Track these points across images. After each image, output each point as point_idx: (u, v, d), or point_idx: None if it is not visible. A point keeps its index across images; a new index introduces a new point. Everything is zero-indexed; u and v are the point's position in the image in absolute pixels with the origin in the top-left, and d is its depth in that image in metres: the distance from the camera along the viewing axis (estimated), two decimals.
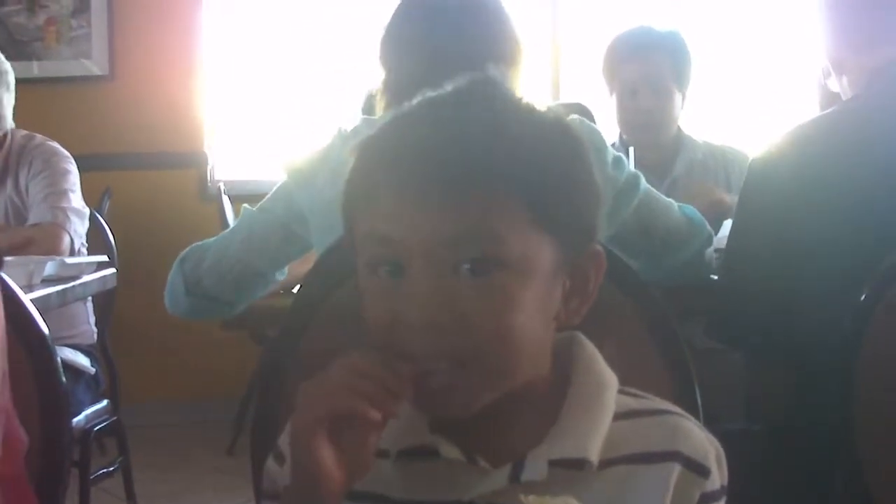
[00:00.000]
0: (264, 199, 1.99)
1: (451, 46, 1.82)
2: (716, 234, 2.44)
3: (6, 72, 3.18)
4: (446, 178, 0.93)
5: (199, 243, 2.02)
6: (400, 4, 1.95)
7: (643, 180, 1.97)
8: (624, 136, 2.99)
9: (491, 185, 0.94)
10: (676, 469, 1.00)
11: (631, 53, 2.98)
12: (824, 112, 1.99)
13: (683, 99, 3.00)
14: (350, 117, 1.97)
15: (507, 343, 0.95)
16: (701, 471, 1.00)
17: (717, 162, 3.06)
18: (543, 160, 0.97)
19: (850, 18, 1.95)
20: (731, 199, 2.76)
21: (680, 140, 3.04)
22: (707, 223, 2.09)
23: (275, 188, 1.98)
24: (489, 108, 0.99)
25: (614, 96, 3.02)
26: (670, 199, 2.06)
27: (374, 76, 1.97)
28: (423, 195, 0.94)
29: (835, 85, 2.00)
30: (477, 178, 0.94)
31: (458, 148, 0.94)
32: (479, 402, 0.97)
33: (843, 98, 1.99)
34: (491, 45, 1.85)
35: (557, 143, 1.00)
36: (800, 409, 1.89)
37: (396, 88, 1.87)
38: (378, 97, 1.93)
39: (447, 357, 0.94)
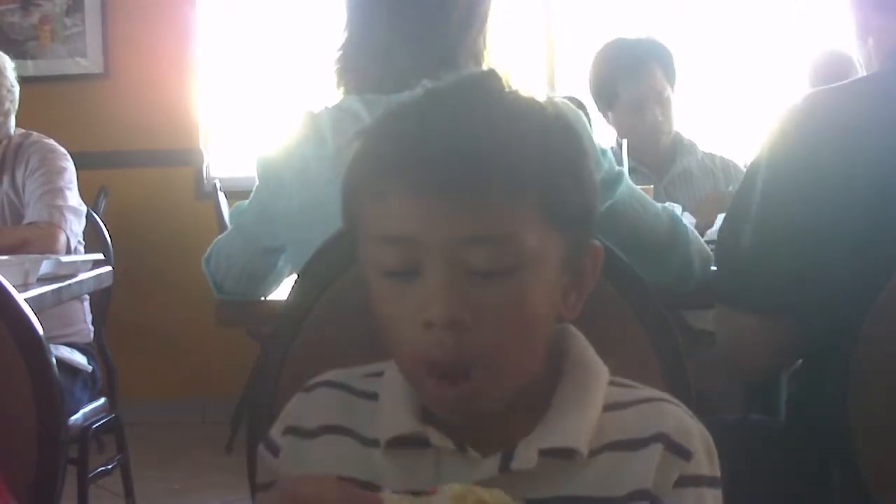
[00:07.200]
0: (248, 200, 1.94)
1: (426, 40, 1.81)
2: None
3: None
4: (463, 176, 0.93)
5: (217, 241, 2.00)
6: None
7: (626, 179, 1.86)
8: (620, 141, 2.96)
9: (507, 182, 0.94)
10: (659, 449, 1.00)
11: (629, 71, 2.99)
12: (840, 83, 1.87)
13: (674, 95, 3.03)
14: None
15: (525, 340, 0.96)
16: (681, 452, 1.00)
17: (716, 164, 3.09)
18: (552, 156, 0.98)
19: None
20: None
21: (679, 142, 3.06)
22: (699, 247, 1.94)
23: (254, 189, 1.91)
24: (495, 102, 0.99)
25: (613, 113, 3.02)
26: (658, 208, 1.93)
27: (331, 49, 1.92)
28: (440, 194, 0.93)
29: (860, 51, 1.88)
30: (493, 176, 0.93)
31: (472, 145, 0.94)
32: (495, 402, 0.98)
33: (865, 64, 1.88)
34: (464, 42, 1.84)
35: (562, 137, 1.00)
36: (799, 401, 1.88)
37: (363, 73, 1.85)
38: (336, 76, 1.91)
39: (467, 355, 0.94)
